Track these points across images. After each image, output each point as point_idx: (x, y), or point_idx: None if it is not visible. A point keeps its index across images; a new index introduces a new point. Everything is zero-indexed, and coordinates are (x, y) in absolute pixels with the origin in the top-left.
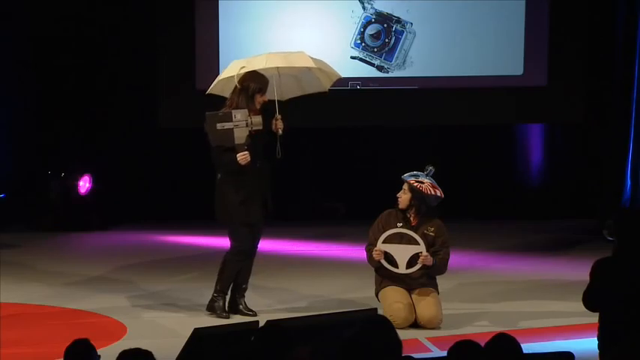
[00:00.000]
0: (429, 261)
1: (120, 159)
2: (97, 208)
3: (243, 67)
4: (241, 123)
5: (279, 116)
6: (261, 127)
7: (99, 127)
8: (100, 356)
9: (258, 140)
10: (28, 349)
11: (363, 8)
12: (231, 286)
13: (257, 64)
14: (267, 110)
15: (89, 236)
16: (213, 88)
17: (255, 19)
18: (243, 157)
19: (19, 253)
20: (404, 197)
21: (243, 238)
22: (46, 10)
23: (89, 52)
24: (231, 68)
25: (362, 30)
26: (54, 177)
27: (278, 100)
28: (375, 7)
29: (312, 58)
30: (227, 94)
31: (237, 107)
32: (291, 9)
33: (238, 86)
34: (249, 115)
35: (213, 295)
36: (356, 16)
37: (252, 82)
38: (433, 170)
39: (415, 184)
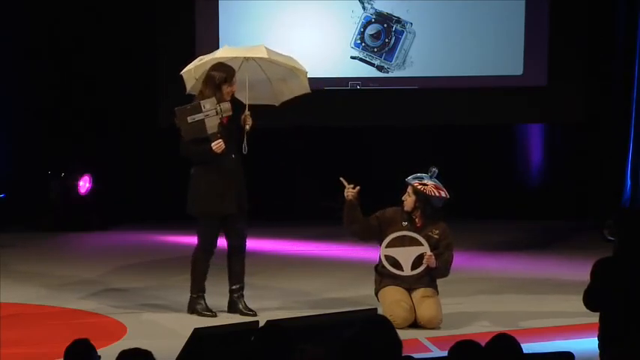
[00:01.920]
0: (433, 262)
1: (120, 159)
2: (97, 208)
3: (202, 59)
4: (211, 112)
5: (247, 112)
6: (230, 113)
7: (99, 127)
8: (100, 356)
9: (233, 133)
10: (28, 349)
11: (363, 8)
12: (228, 287)
13: (213, 56)
14: (238, 107)
15: (89, 236)
16: (192, 88)
17: (255, 19)
18: (217, 145)
19: (19, 253)
20: (409, 200)
21: (207, 235)
22: (46, 11)
23: (89, 52)
24: (192, 63)
25: (362, 30)
26: (54, 177)
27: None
28: (375, 7)
29: (268, 50)
30: (196, 91)
31: (203, 98)
32: (291, 9)
33: (195, 78)
34: (217, 103)
35: (191, 297)
36: (356, 16)
37: (217, 72)
38: (437, 172)
39: (419, 186)
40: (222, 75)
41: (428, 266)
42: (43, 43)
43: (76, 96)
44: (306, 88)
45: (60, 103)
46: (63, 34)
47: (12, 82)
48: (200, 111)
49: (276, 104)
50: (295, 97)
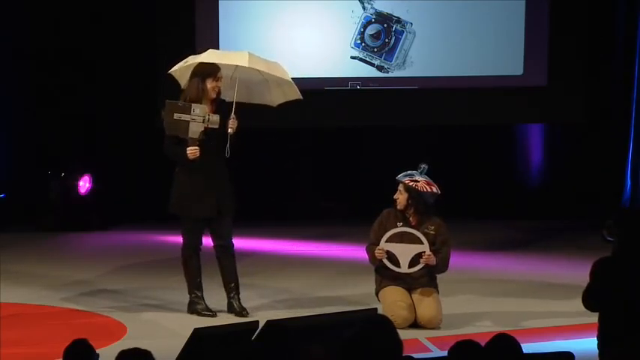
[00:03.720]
0: (432, 261)
1: (120, 159)
2: (97, 208)
3: (187, 61)
4: (198, 118)
5: (234, 116)
6: (217, 127)
7: (99, 127)
8: (99, 355)
9: (217, 134)
10: (28, 349)
11: (363, 8)
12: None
13: (200, 59)
14: (224, 109)
15: (89, 236)
16: (180, 80)
17: (255, 19)
18: (192, 151)
19: (19, 253)
20: (401, 198)
21: (191, 234)
22: (46, 11)
23: (89, 52)
24: (181, 62)
25: (362, 30)
26: (54, 177)
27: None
28: (375, 7)
29: (250, 58)
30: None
31: (189, 96)
32: (291, 9)
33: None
34: (207, 112)
35: (190, 298)
36: (356, 16)
37: (201, 69)
38: (427, 167)
39: (410, 183)
40: (206, 71)
41: (426, 264)
42: (43, 43)
43: (76, 96)
44: (297, 94)
45: (60, 103)
46: (63, 34)
47: (12, 82)
48: (189, 113)
49: (274, 105)
50: (289, 101)
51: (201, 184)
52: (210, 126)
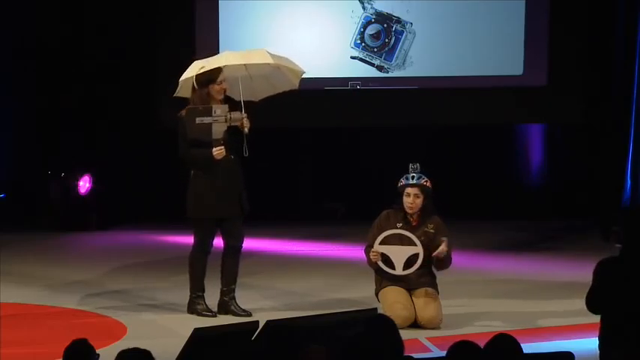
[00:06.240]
0: (443, 252)
1: (120, 159)
2: (97, 208)
3: (203, 67)
4: (220, 118)
5: (245, 114)
6: (239, 123)
7: (99, 127)
8: (99, 355)
9: (232, 136)
10: (28, 349)
11: (363, 8)
12: (220, 288)
13: (216, 63)
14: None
15: (89, 236)
16: (179, 92)
17: (255, 19)
18: (219, 151)
19: (19, 253)
20: (417, 201)
21: (205, 236)
22: (45, 11)
23: (89, 52)
24: (191, 69)
25: (362, 30)
26: (54, 177)
27: (251, 101)
28: (375, 7)
29: (271, 54)
30: (181, 94)
31: (194, 104)
32: (291, 9)
33: (195, 86)
34: (228, 111)
35: (190, 297)
36: (356, 16)
37: (202, 76)
38: (419, 166)
39: (427, 184)
40: (207, 76)
41: (437, 257)
42: (43, 43)
43: (75, 96)
44: (292, 85)
45: (60, 103)
46: (63, 35)
47: (12, 83)
48: (210, 115)
49: (255, 100)
50: (279, 94)
51: (221, 184)
52: (232, 124)
